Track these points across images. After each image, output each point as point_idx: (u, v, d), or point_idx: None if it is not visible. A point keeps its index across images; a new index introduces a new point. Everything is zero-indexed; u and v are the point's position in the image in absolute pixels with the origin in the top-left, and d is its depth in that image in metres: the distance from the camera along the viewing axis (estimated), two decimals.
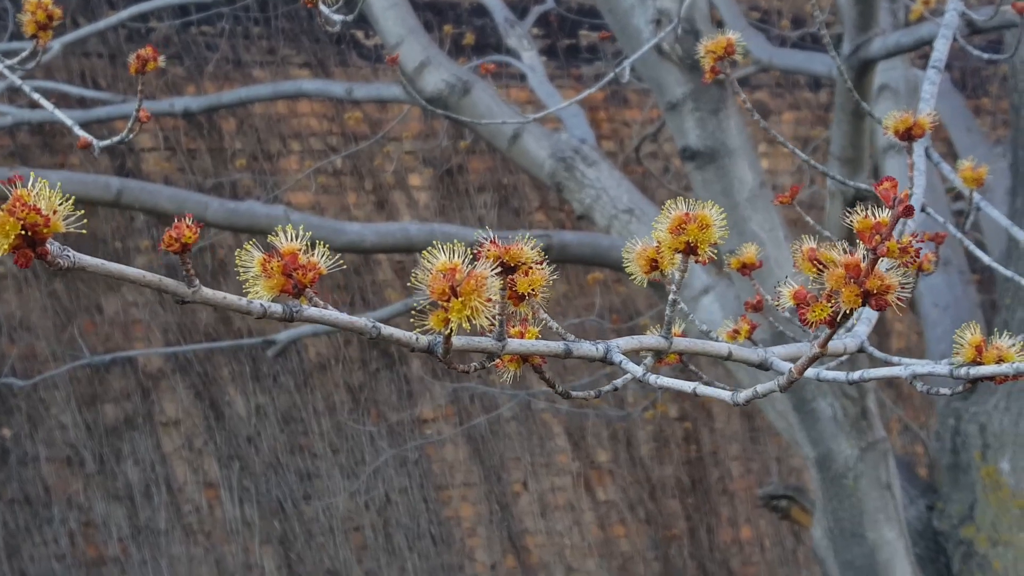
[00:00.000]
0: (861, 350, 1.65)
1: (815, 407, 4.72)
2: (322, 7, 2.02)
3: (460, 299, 1.14)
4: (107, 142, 2.18)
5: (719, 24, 6.61)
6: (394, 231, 5.29)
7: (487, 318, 1.15)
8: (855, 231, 1.14)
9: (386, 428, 7.42)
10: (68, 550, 6.70)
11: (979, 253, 2.11)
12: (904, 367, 1.43)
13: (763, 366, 1.48)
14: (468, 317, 1.15)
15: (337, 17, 2.23)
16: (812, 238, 2.44)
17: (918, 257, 1.14)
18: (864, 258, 1.15)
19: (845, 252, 1.17)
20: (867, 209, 1.16)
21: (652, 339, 1.41)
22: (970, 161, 2.05)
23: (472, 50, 7.71)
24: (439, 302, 1.15)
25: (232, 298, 1.15)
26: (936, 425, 5.61)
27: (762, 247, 4.72)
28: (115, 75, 7.19)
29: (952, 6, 2.20)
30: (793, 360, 1.51)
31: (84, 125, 6.41)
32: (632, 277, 1.44)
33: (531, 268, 1.24)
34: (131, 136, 2.12)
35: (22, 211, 0.99)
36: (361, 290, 7.50)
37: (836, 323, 1.18)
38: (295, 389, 7.30)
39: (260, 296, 1.22)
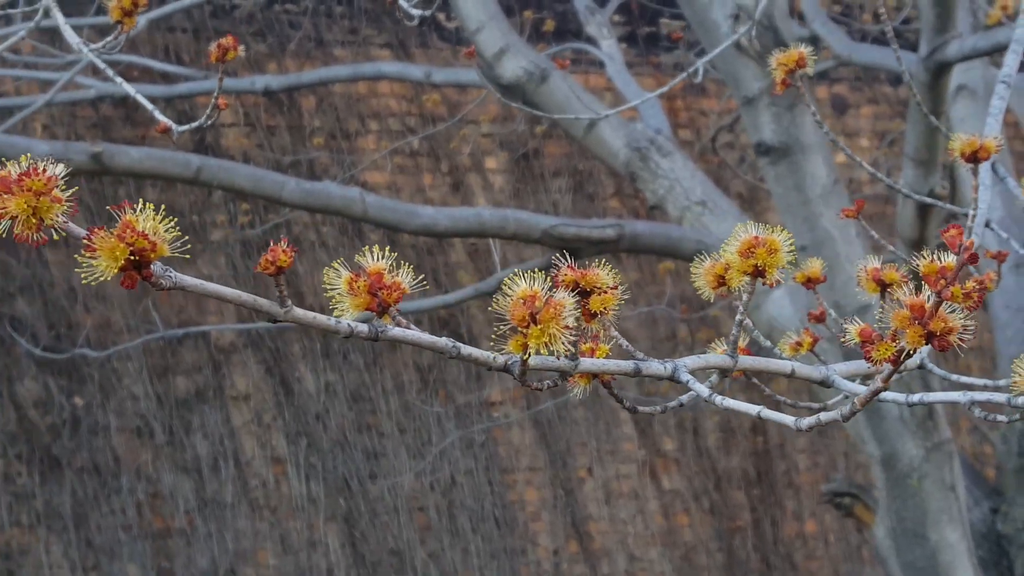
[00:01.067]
0: (921, 366, 1.66)
1: (882, 406, 4.70)
2: (401, 1, 2.05)
3: (539, 326, 1.19)
4: (184, 127, 2.23)
5: (799, 16, 6.57)
6: (467, 216, 5.33)
7: (564, 344, 1.19)
8: (921, 275, 1.18)
9: (453, 410, 7.48)
10: (135, 521, 6.82)
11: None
12: (963, 393, 1.44)
13: (825, 383, 1.50)
14: (546, 343, 1.19)
15: (415, 12, 2.26)
16: (884, 242, 2.44)
17: (981, 303, 1.18)
18: (929, 300, 1.19)
19: (911, 290, 1.22)
20: (933, 253, 1.20)
21: (718, 358, 1.45)
22: None
23: (552, 36, 7.72)
24: (519, 328, 1.19)
25: (321, 318, 1.20)
26: (1003, 427, 5.57)
27: (833, 244, 4.70)
28: (198, 50, 7.29)
29: (1022, 21, 2.18)
30: (854, 377, 1.53)
31: (167, 100, 6.53)
32: (700, 292, 1.47)
33: (605, 292, 1.28)
34: (209, 123, 2.17)
35: (131, 237, 1.04)
36: (434, 271, 7.55)
37: (899, 361, 1.22)
38: (364, 368, 7.38)
39: (346, 314, 1.27)
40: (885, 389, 1.23)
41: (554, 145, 7.95)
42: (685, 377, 1.37)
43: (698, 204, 5.17)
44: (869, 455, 4.84)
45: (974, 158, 1.82)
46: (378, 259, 1.31)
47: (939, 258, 1.19)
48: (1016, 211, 5.48)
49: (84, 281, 1.02)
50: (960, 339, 1.18)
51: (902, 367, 1.21)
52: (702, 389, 1.36)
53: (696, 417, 7.98)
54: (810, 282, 1.86)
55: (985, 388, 1.58)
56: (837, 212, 4.65)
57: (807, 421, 1.29)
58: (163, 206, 1.10)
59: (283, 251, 1.16)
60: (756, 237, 1.34)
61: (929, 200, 2.46)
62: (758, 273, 1.33)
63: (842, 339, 1.37)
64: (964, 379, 1.71)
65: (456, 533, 7.42)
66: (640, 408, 1.48)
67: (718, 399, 1.35)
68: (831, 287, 4.70)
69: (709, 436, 8.01)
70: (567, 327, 1.18)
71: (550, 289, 1.21)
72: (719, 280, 1.42)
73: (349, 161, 7.47)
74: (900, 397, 1.45)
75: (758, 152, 4.80)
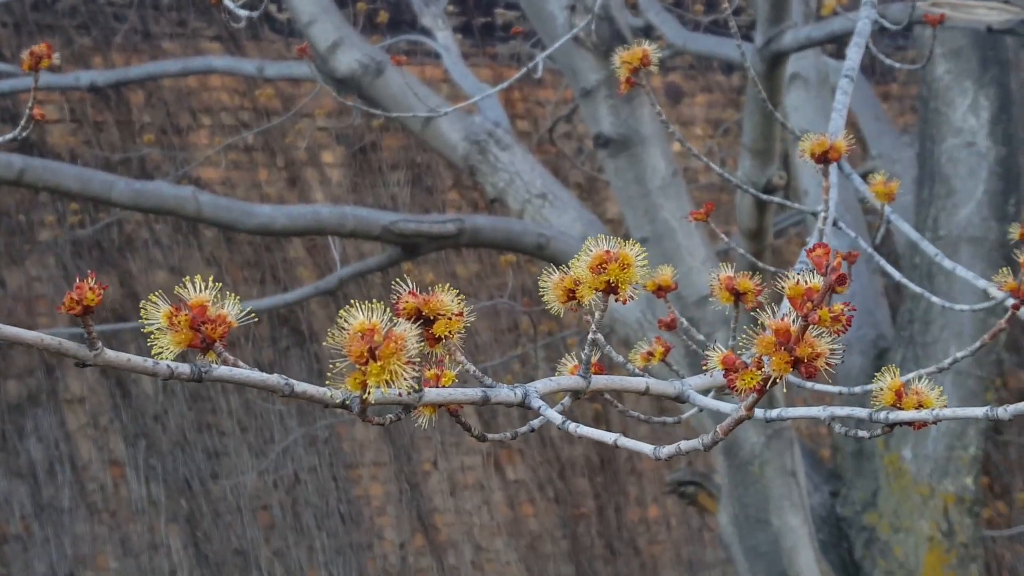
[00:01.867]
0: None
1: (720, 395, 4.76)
2: (226, 2, 1.97)
3: (379, 363, 1.12)
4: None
5: (633, 7, 6.62)
6: (305, 214, 5.24)
7: (407, 381, 1.12)
8: (787, 296, 1.14)
9: (296, 407, 7.37)
10: None
11: (890, 269, 2.13)
12: (823, 408, 1.43)
13: (680, 399, 1.48)
14: (387, 381, 1.12)
15: (243, 12, 2.19)
16: (722, 235, 2.44)
17: (849, 325, 1.15)
18: (794, 324, 1.14)
19: (773, 313, 1.16)
20: (799, 275, 1.15)
21: (570, 380, 1.40)
22: (882, 175, 2.06)
23: (386, 27, 7.64)
24: (357, 365, 1.12)
25: (137, 359, 1.11)
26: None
27: (674, 235, 4.74)
28: (20, 45, 7.03)
29: (864, 13, 2.21)
30: (707, 392, 1.51)
31: None
32: (549, 307, 1.43)
33: (451, 317, 1.22)
34: (23, 135, 2.07)
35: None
36: (272, 268, 7.43)
37: (764, 390, 1.17)
38: None
39: (167, 351, 1.17)
40: (749, 417, 1.20)
41: (392, 138, 7.89)
42: (536, 403, 1.33)
43: (538, 197, 5.16)
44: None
45: (824, 158, 1.82)
46: (201, 289, 1.20)
47: (805, 279, 1.13)
48: (854, 208, 5.61)
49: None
50: (827, 363, 1.14)
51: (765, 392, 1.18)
52: (555, 416, 1.32)
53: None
54: (661, 290, 1.84)
55: (841, 395, 1.59)
56: (677, 203, 4.69)
57: (667, 450, 1.26)
58: None
59: (90, 289, 1.07)
60: (608, 251, 1.30)
61: (766, 197, 2.47)
62: (611, 290, 1.30)
63: (704, 366, 1.33)
64: (819, 387, 1.71)
65: (301, 531, 7.33)
66: (490, 436, 1.43)
67: (572, 426, 1.31)
68: (674, 308, 4.74)
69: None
70: (409, 362, 1.12)
71: (390, 320, 1.13)
72: (569, 294, 1.38)
73: (181, 157, 7.30)
74: (759, 413, 1.43)
75: (597, 144, 4.81)
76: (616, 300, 1.30)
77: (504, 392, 1.30)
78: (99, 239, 7.10)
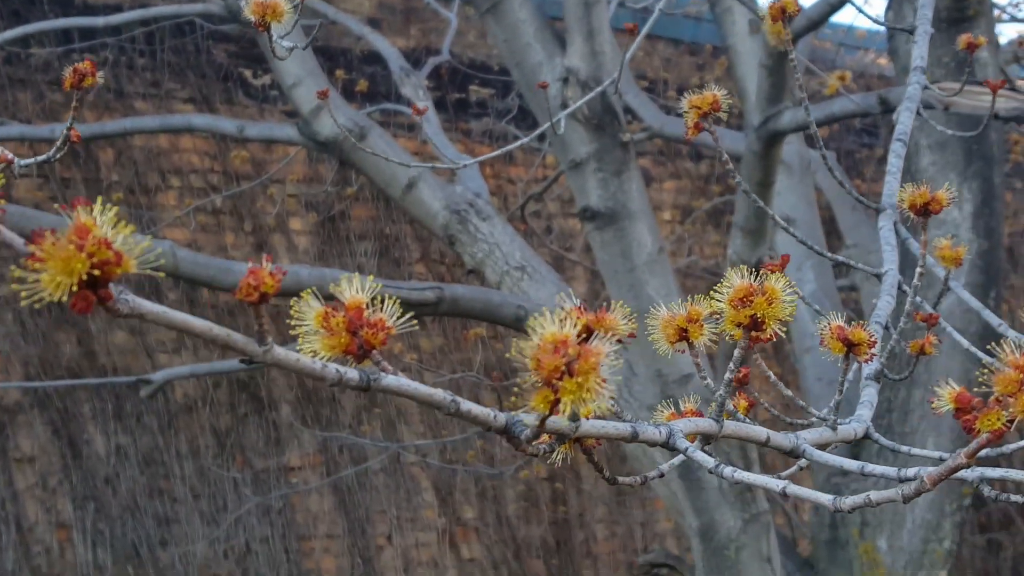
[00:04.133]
0: (867, 436, 1.60)
1: (701, 476, 4.71)
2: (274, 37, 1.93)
3: (576, 379, 1.00)
4: None
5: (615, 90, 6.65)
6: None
7: (605, 401, 1.01)
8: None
9: (251, 475, 7.23)
10: None
11: (958, 337, 2.10)
12: (972, 469, 1.34)
13: (794, 454, 1.42)
14: (583, 400, 1.00)
15: (286, 44, 2.14)
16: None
17: None
18: None
19: (1017, 348, 1.05)
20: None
21: (705, 422, 1.34)
22: (947, 239, 2.03)
23: (364, 97, 7.63)
24: (551, 380, 1.00)
25: (306, 361, 1.00)
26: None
27: (658, 311, 4.70)
28: None
29: (915, 79, 2.20)
30: (819, 446, 1.46)
31: None
32: (656, 346, 1.37)
33: (622, 340, 1.14)
34: (57, 156, 2.00)
35: (92, 245, 0.84)
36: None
37: (1001, 435, 1.06)
38: (159, 430, 7.08)
39: (317, 355, 1.08)
40: (968, 466, 1.10)
41: (361, 208, 7.84)
42: (683, 444, 1.25)
43: (517, 269, 5.13)
44: (687, 525, 4.83)
45: (924, 211, 1.79)
46: (357, 291, 1.11)
47: None
48: (827, 283, 5.61)
49: (24, 302, 0.85)
50: None
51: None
52: (706, 459, 1.24)
53: (498, 485, 7.91)
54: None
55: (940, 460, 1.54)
56: (662, 280, 4.67)
57: (851, 501, 1.16)
58: None
59: (269, 274, 0.96)
60: (751, 284, 1.23)
61: (841, 259, 2.42)
62: (755, 325, 1.22)
63: (932, 404, 1.24)
64: (916, 451, 1.65)
65: None
66: (620, 480, 1.35)
67: (728, 471, 1.23)
68: (654, 356, 4.71)
69: (510, 505, 7.95)
70: (605, 380, 1.00)
71: (580, 335, 1.02)
72: (680, 333, 1.32)
73: (148, 217, 7.21)
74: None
75: (584, 217, 4.79)
76: (759, 339, 1.23)
77: (651, 431, 1.23)
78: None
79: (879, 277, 1.99)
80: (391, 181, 5.32)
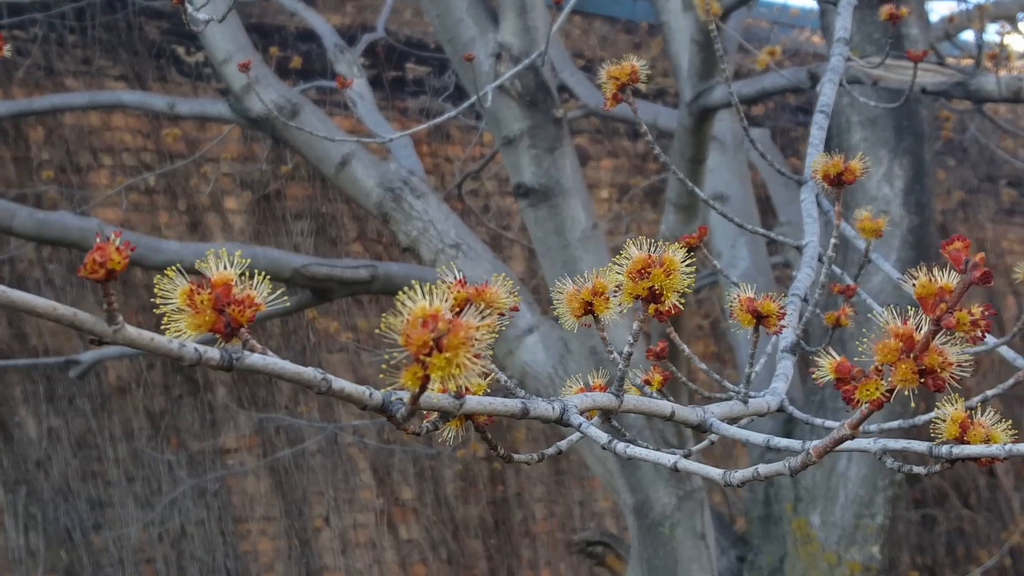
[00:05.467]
0: (781, 409, 1.59)
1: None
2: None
3: (446, 354, 0.96)
4: None
5: (550, 67, 6.62)
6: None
7: (475, 376, 0.97)
8: (916, 297, 0.99)
9: (186, 457, 7.16)
10: None
11: (877, 307, 2.09)
12: (875, 440, 1.33)
13: (701, 428, 1.39)
14: (453, 376, 0.96)
15: (202, 16, 2.09)
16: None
17: (988, 331, 1.02)
18: (922, 329, 0.99)
19: (895, 317, 1.01)
20: (929, 271, 1.01)
21: (604, 397, 1.31)
22: (867, 210, 2.02)
23: (298, 74, 7.56)
24: (419, 357, 0.96)
25: (161, 340, 0.96)
26: None
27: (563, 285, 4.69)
28: None
29: (838, 51, 2.19)
30: (730, 419, 1.44)
31: None
32: (561, 321, 1.34)
33: (503, 312, 1.10)
34: None
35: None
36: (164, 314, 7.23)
37: (881, 404, 1.02)
38: (92, 413, 6.99)
39: (184, 335, 1.03)
40: (852, 437, 1.07)
41: (297, 187, 7.77)
42: (576, 420, 1.22)
43: (452, 247, 5.09)
44: (622, 503, 4.82)
45: (838, 180, 1.76)
46: (225, 266, 1.06)
47: (935, 276, 0.98)
48: (761, 260, 5.62)
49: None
50: (953, 378, 1.00)
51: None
52: (599, 434, 1.22)
53: (436, 466, 7.88)
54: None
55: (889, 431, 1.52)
56: (596, 257, 4.65)
57: (740, 475, 1.14)
58: None
59: (116, 249, 0.91)
60: (650, 256, 1.20)
61: (763, 232, 2.41)
62: (653, 297, 1.19)
63: (813, 375, 1.21)
64: (829, 423, 1.63)
65: None
66: (516, 457, 1.33)
67: (621, 447, 1.21)
68: (589, 332, 4.69)
69: (448, 485, 7.93)
70: (478, 355, 0.96)
71: (455, 309, 0.98)
72: (585, 307, 1.28)
73: (80, 196, 7.10)
74: (795, 444, 1.34)
75: (518, 194, 4.76)
76: (657, 311, 1.21)
77: (543, 406, 1.20)
78: None
79: (800, 249, 1.98)
80: (324, 159, 5.26)
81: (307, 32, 7.56)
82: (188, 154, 7.34)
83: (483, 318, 0.99)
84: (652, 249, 1.24)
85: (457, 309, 0.99)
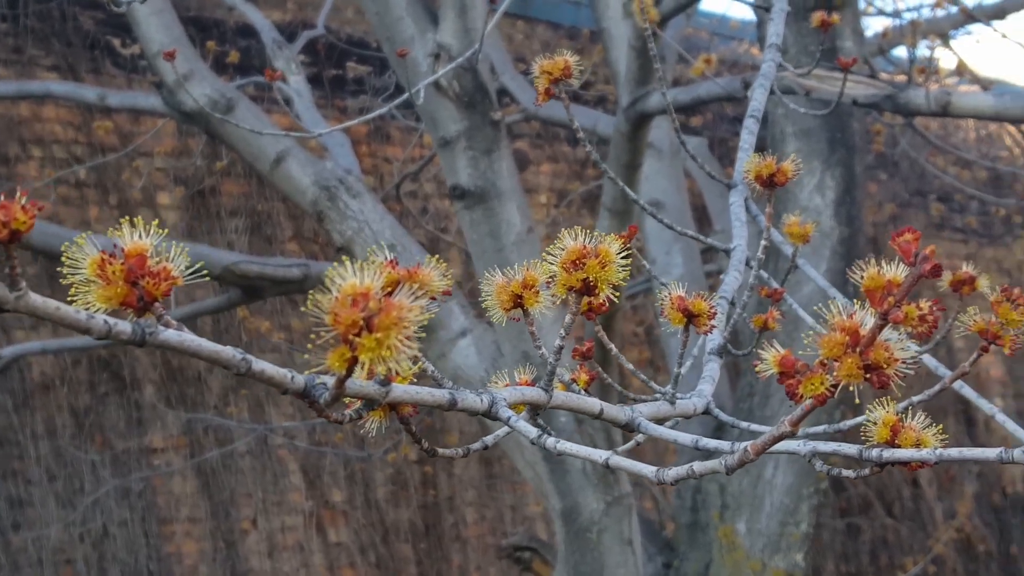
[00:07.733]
0: (707, 411, 1.56)
1: (565, 458, 4.67)
2: None
3: (376, 335, 0.90)
4: None
5: (490, 69, 6.59)
6: None
7: (406, 360, 0.91)
8: (862, 289, 0.97)
9: (110, 456, 7.04)
10: None
11: (802, 313, 2.07)
12: (804, 443, 1.30)
13: (629, 427, 1.36)
14: (383, 358, 0.91)
15: None
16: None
17: (936, 327, 0.98)
18: (867, 323, 0.96)
19: (841, 311, 0.97)
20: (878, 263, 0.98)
21: (533, 392, 1.27)
22: (796, 216, 2.00)
23: (235, 69, 7.47)
24: (348, 337, 0.91)
25: (68, 310, 0.89)
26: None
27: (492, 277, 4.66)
28: None
29: (770, 56, 2.17)
30: (657, 420, 1.41)
31: None
32: (490, 314, 1.30)
33: (436, 297, 1.06)
34: None
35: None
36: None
37: (825, 400, 0.99)
38: (13, 409, 6.85)
39: (92, 307, 0.96)
40: (792, 434, 1.03)
41: (232, 184, 7.68)
42: (505, 413, 1.18)
43: (387, 248, 5.04)
44: (550, 508, 4.79)
45: (770, 182, 1.74)
46: (140, 236, 0.99)
47: (883, 268, 0.94)
48: (695, 267, 5.61)
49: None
50: (898, 374, 0.96)
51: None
52: (528, 429, 1.17)
53: (367, 468, 7.81)
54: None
55: (823, 434, 1.49)
56: (530, 259, 4.61)
57: (673, 473, 1.10)
58: None
59: (22, 207, 0.85)
60: (585, 246, 1.16)
61: (703, 240, 2.38)
62: (587, 289, 1.16)
63: (756, 368, 1.18)
64: (755, 427, 1.60)
65: None
66: (441, 451, 1.28)
67: (551, 442, 1.17)
68: (520, 336, 4.66)
69: (379, 488, 7.86)
70: (410, 338, 0.91)
71: (386, 289, 0.92)
72: (515, 300, 1.25)
73: (7, 188, 6.97)
74: (712, 443, 1.32)
75: (453, 196, 4.72)
76: (590, 304, 1.17)
77: (471, 398, 1.16)
78: None
79: (728, 253, 1.95)
80: (259, 155, 5.19)
81: (246, 27, 7.47)
82: (121, 147, 7.23)
83: (415, 299, 0.93)
84: (588, 240, 1.21)
85: (389, 289, 0.93)
